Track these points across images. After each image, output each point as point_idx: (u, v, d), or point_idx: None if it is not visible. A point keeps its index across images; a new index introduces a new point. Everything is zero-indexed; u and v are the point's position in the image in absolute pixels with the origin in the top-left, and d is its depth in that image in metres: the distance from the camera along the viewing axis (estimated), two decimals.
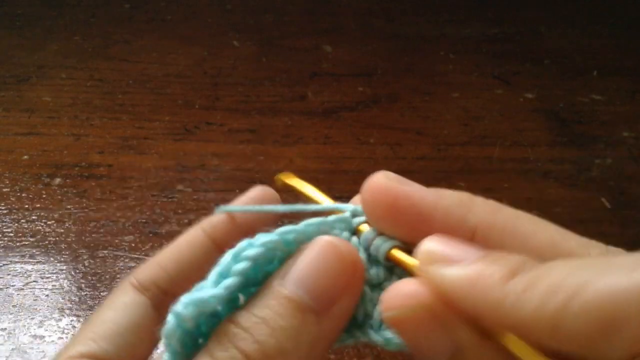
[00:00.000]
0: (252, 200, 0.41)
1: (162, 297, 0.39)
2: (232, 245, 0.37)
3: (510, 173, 0.87)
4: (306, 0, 1.17)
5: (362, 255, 0.33)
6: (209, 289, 0.30)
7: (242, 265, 0.31)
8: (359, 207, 0.34)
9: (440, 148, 0.90)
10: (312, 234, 0.32)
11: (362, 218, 0.34)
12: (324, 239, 0.31)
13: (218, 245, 0.40)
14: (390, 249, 0.32)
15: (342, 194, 0.86)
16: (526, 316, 0.23)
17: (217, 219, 0.41)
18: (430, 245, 0.29)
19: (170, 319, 0.30)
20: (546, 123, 0.95)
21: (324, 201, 0.37)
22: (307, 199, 0.38)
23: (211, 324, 0.31)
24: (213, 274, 0.31)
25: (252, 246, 0.31)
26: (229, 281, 0.30)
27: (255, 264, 0.31)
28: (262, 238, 0.31)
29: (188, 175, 0.85)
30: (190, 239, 0.41)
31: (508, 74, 1.04)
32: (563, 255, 0.28)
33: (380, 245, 0.32)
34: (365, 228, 0.34)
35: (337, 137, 0.91)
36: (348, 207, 0.34)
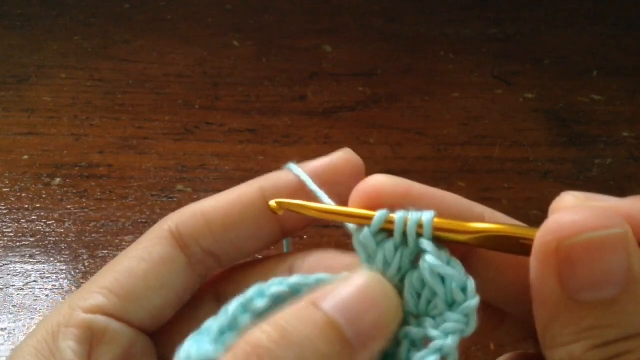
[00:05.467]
0: (333, 165, 0.36)
1: (202, 256, 0.35)
2: (291, 223, 0.35)
3: (510, 173, 0.87)
4: (306, 0, 1.17)
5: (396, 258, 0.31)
6: (210, 345, 0.28)
7: (247, 319, 0.29)
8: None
9: (440, 148, 0.90)
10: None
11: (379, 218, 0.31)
12: (371, 273, 0.29)
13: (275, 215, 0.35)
14: (434, 216, 0.30)
15: None
16: None
17: (282, 181, 0.36)
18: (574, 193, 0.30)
19: None
20: (546, 123, 0.95)
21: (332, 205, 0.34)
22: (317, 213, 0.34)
23: None
24: (218, 323, 0.29)
25: (263, 297, 0.30)
26: (234, 338, 0.28)
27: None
28: (273, 288, 0.30)
29: (188, 175, 0.85)
30: (244, 198, 0.36)
31: (508, 74, 1.04)
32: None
33: (420, 216, 0.30)
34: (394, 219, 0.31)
35: (337, 137, 0.91)
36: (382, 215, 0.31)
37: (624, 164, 0.90)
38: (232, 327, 0.29)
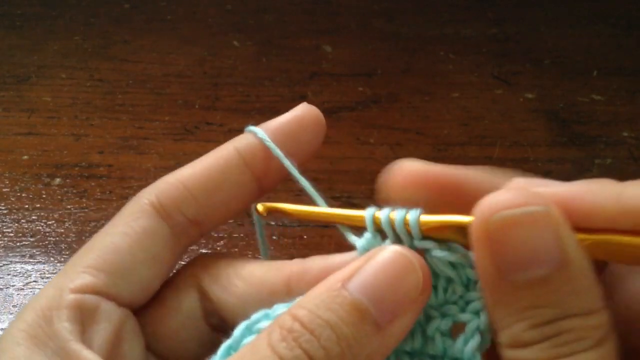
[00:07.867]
0: (294, 121, 0.37)
1: (186, 225, 0.34)
2: (269, 179, 0.34)
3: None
4: (306, 0, 1.17)
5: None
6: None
7: (251, 340, 0.30)
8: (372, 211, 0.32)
9: (440, 148, 0.90)
10: None
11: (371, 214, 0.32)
12: (394, 248, 0.29)
13: (253, 172, 0.35)
14: (420, 214, 0.30)
15: (342, 194, 0.86)
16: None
17: (255, 140, 0.36)
18: (520, 180, 0.30)
19: None
20: (546, 123, 0.95)
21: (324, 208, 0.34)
22: (302, 216, 0.34)
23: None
24: (225, 344, 0.31)
25: (267, 319, 0.31)
26: None
27: None
28: (277, 312, 0.31)
29: None
30: (222, 159, 0.36)
31: (508, 74, 1.04)
32: None
33: (406, 213, 0.30)
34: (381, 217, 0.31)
35: (337, 137, 0.91)
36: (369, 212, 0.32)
37: (624, 164, 0.90)
38: (237, 346, 0.30)
